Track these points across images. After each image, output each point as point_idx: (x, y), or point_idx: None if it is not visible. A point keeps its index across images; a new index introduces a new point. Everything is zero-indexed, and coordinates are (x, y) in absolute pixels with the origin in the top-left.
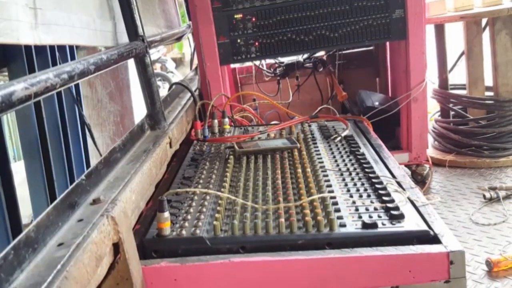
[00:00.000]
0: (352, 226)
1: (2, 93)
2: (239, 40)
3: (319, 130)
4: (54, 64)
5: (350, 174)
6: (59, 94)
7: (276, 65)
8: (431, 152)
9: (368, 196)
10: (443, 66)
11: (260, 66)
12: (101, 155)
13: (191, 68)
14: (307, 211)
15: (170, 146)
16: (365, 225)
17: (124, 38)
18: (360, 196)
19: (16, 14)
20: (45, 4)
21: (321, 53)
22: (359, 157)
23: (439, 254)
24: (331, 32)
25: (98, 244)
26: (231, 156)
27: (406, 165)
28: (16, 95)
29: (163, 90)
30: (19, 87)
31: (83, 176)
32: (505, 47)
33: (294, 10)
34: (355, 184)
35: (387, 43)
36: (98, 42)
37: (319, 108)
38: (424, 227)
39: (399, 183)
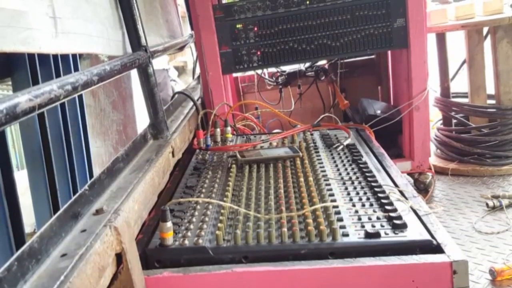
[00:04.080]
0: (355, 236)
1: (6, 105)
2: (241, 49)
3: (321, 139)
4: (58, 74)
5: (353, 183)
6: (62, 103)
7: (278, 74)
8: (433, 160)
9: (371, 205)
10: (445, 74)
11: (262, 75)
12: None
13: (193, 77)
14: (310, 220)
15: (173, 155)
16: (368, 235)
17: None
18: (363, 205)
19: (37, 23)
20: (63, 13)
21: (323, 62)
22: (361, 165)
23: (442, 264)
24: (333, 41)
25: (101, 254)
26: (234, 165)
27: (408, 174)
28: (20, 107)
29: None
30: (23, 99)
31: (86, 187)
32: (507, 56)
33: (296, 20)
34: (357, 193)
35: (389, 52)
36: (111, 51)
37: (321, 117)
38: (427, 236)
39: (401, 192)
